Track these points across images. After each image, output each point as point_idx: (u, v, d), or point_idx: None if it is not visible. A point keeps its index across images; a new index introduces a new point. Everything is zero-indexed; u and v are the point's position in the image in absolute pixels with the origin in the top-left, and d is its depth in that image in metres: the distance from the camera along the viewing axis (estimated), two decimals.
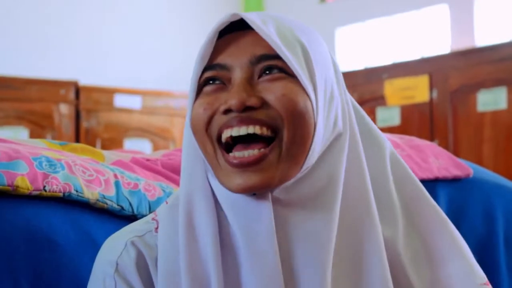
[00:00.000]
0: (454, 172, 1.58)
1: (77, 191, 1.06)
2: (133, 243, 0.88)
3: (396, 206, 0.91)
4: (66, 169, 1.08)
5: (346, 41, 5.03)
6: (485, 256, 1.48)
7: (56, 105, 4.25)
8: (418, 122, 3.92)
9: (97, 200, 1.08)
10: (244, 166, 0.79)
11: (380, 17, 4.85)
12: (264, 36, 0.81)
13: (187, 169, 0.88)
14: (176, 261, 0.85)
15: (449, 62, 3.84)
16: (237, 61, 0.82)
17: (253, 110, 0.80)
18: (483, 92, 3.64)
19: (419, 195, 0.94)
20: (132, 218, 1.11)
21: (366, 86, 4.00)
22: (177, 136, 4.75)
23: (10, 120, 4.13)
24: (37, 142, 1.24)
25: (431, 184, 1.50)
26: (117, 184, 1.12)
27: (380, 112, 4.03)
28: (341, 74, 0.92)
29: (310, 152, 0.82)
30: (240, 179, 0.80)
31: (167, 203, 0.92)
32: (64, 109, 4.28)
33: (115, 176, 1.14)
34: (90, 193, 1.07)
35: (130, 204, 1.12)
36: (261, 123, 0.80)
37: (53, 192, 1.04)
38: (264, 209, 0.82)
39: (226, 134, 0.81)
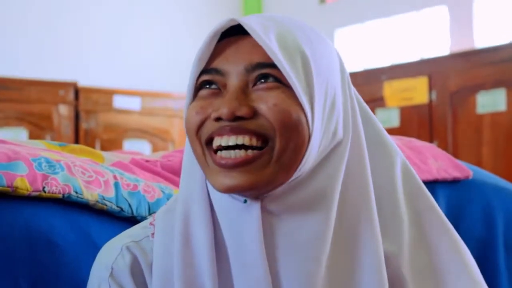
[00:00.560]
0: (453, 173, 1.58)
1: (76, 192, 1.06)
2: (128, 248, 0.88)
3: (402, 219, 0.89)
4: (66, 170, 1.08)
5: (345, 42, 5.04)
6: (484, 258, 1.47)
7: (55, 106, 4.25)
8: (417, 123, 3.92)
9: (97, 201, 1.08)
10: (229, 166, 0.79)
11: (380, 19, 4.85)
12: (261, 43, 0.79)
13: (186, 171, 0.89)
14: (171, 267, 0.85)
15: (448, 64, 3.85)
16: (233, 67, 0.81)
17: (244, 120, 0.79)
18: (483, 93, 3.64)
19: (430, 209, 0.92)
20: (131, 219, 1.11)
21: (365, 88, 4.00)
22: (176, 137, 4.75)
23: (10, 121, 4.13)
24: (36, 143, 1.24)
25: (430, 186, 1.49)
26: (116, 185, 1.12)
27: (379, 114, 4.03)
28: (349, 78, 0.90)
29: (303, 163, 0.81)
30: (226, 179, 0.79)
31: (166, 205, 0.93)
32: (63, 110, 4.28)
33: (115, 177, 1.14)
34: (90, 194, 1.07)
35: (130, 206, 1.12)
36: (251, 134, 0.79)
37: (52, 193, 1.04)
38: (253, 217, 0.81)
39: (216, 142, 0.80)
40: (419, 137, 2.33)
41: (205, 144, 0.82)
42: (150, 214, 1.12)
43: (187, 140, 0.87)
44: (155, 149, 4.61)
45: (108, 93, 4.50)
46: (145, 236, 0.90)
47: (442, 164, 1.59)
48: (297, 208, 0.82)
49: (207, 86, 0.83)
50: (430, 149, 1.65)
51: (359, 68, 4.43)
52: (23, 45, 4.59)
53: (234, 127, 0.79)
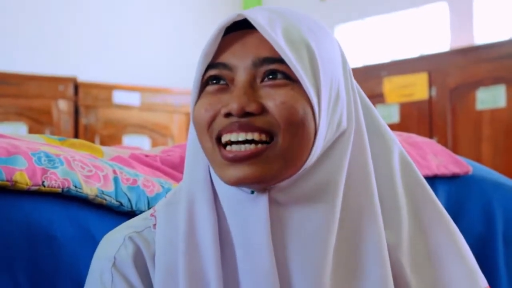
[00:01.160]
0: (453, 169, 1.58)
1: (76, 186, 1.06)
2: (131, 238, 0.88)
3: (402, 209, 0.90)
4: (65, 164, 1.08)
5: (345, 39, 5.03)
6: (483, 254, 1.47)
7: (55, 101, 4.25)
8: (417, 119, 3.92)
9: (96, 195, 1.08)
10: (238, 159, 0.79)
11: (380, 15, 4.84)
12: (268, 39, 0.79)
13: (190, 164, 0.89)
14: (174, 257, 0.85)
15: (448, 60, 3.84)
16: (240, 61, 0.81)
17: (253, 116, 0.79)
18: (482, 90, 3.64)
19: (429, 199, 0.93)
20: (130, 214, 1.11)
21: (365, 84, 3.98)
22: (175, 133, 4.75)
23: (9, 116, 4.13)
24: (36, 137, 1.24)
25: (430, 181, 1.49)
26: (116, 180, 1.12)
27: (379, 110, 4.03)
28: (351, 70, 0.91)
29: (311, 156, 0.82)
30: (234, 171, 0.80)
31: (166, 198, 0.92)
32: (63, 105, 4.28)
33: (114, 172, 1.14)
34: (89, 189, 1.07)
35: (129, 200, 1.12)
36: (260, 131, 0.79)
37: (51, 187, 1.04)
38: (260, 208, 0.82)
39: (225, 138, 0.81)
40: (418, 133, 2.33)
41: (215, 140, 0.82)
42: (149, 208, 1.12)
43: (190, 133, 0.87)
44: (154, 144, 4.61)
45: (108, 89, 4.50)
46: (146, 227, 0.90)
47: (442, 159, 1.59)
48: (304, 199, 0.83)
49: (214, 81, 0.83)
50: (429, 145, 1.65)
51: (359, 64, 4.42)
52: (23, 39, 4.59)
53: (243, 124, 0.79)
